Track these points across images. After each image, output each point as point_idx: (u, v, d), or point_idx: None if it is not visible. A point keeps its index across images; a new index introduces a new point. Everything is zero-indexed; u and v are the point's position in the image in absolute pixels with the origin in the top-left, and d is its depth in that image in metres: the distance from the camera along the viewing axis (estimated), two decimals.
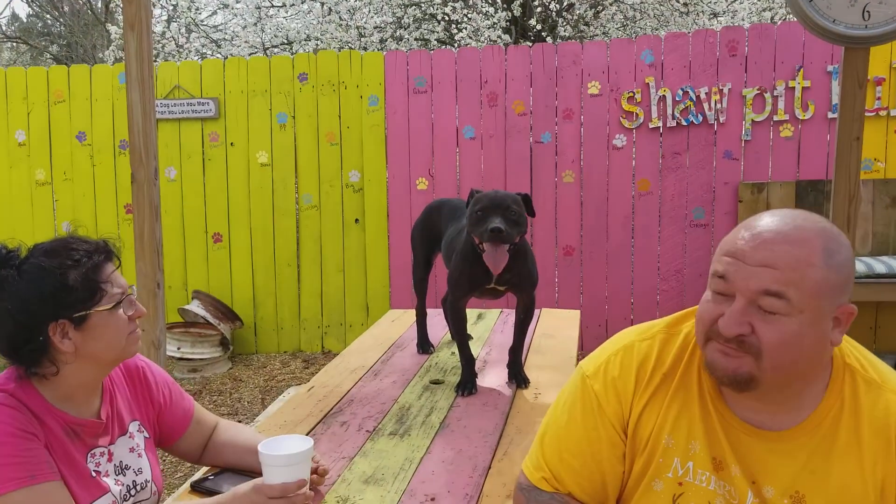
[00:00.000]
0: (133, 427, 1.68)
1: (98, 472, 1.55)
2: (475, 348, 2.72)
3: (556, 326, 3.00)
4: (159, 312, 4.17)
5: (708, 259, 4.97)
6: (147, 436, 1.71)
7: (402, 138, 5.15)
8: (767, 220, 1.15)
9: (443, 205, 2.54)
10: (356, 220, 5.25)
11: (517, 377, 2.31)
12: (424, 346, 2.67)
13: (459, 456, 1.83)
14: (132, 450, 1.65)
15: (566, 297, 5.10)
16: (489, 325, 3.03)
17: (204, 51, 8.83)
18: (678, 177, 4.94)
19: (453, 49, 5.77)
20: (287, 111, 5.23)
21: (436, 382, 2.36)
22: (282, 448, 1.56)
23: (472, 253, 2.15)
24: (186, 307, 5.14)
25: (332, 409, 2.16)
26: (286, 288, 5.38)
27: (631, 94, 4.90)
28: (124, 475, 1.61)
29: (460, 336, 2.30)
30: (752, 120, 4.81)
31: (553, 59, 4.97)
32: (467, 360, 2.29)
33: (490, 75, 5.03)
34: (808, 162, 4.78)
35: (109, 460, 1.59)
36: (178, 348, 4.96)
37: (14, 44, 16.94)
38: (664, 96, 4.87)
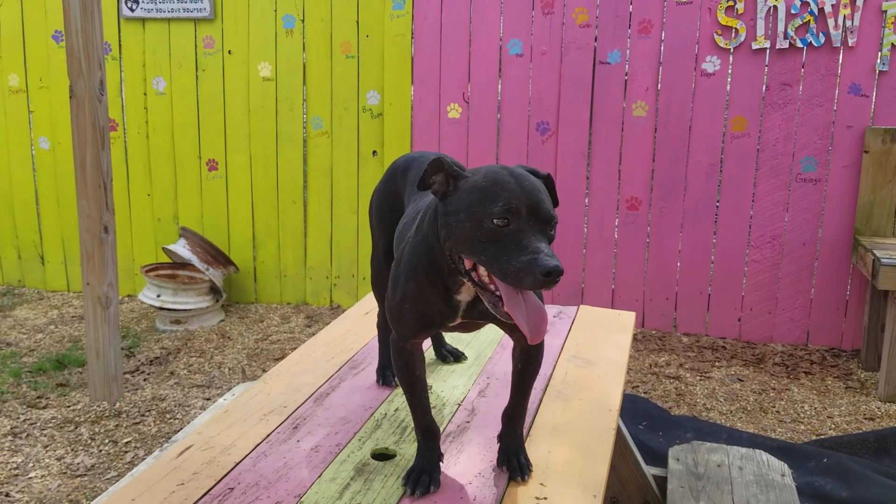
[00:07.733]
0: None
1: None
2: (465, 375, 1.79)
3: (597, 342, 2.04)
4: (108, 262, 3.34)
5: (817, 224, 3.86)
6: None
7: (433, 52, 4.12)
8: None
9: (410, 165, 1.57)
10: (374, 153, 4.30)
11: (510, 462, 1.38)
12: (387, 373, 1.75)
13: None
14: None
15: (626, 262, 4.09)
16: (498, 335, 2.08)
17: None
18: (786, 115, 3.80)
19: None
20: (295, 13, 4.25)
21: (381, 457, 1.45)
22: None
23: (424, 264, 1.20)
24: (171, 247, 4.34)
25: None
26: (290, 229, 4.51)
27: (731, 4, 3.74)
28: None
29: (411, 394, 1.37)
30: (893, 45, 3.62)
31: None
32: (424, 435, 1.36)
33: None
34: None
35: None
36: (158, 296, 4.19)
37: None
38: (775, 7, 3.70)
